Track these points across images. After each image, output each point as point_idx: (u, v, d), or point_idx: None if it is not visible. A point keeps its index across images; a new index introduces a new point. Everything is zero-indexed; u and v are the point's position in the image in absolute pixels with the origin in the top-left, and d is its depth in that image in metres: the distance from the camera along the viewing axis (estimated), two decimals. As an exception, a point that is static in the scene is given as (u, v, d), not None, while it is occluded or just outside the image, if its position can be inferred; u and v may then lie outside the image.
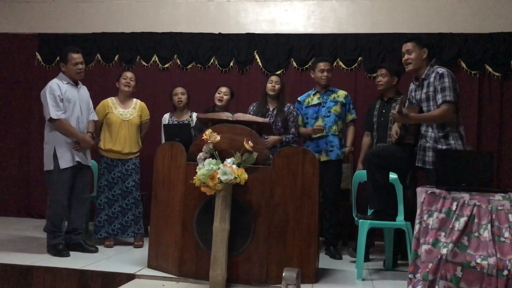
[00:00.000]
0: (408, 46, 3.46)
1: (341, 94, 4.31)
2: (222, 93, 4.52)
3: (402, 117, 3.25)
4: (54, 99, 3.79)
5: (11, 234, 4.63)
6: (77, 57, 3.92)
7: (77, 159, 3.88)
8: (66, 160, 3.82)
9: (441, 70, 3.33)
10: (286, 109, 4.27)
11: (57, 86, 3.83)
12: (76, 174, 3.92)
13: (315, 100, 4.29)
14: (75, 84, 3.98)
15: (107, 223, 4.22)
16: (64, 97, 3.84)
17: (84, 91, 4.08)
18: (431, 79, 3.34)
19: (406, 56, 3.46)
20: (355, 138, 4.39)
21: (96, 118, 4.17)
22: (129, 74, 4.39)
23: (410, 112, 3.32)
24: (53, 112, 3.77)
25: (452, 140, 3.29)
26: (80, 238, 3.97)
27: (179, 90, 4.70)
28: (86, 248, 3.92)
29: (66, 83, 3.91)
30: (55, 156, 3.80)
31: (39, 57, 5.84)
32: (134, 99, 4.45)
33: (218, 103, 4.50)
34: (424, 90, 3.38)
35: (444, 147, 3.27)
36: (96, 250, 3.93)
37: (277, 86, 4.27)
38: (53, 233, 3.83)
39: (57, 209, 3.82)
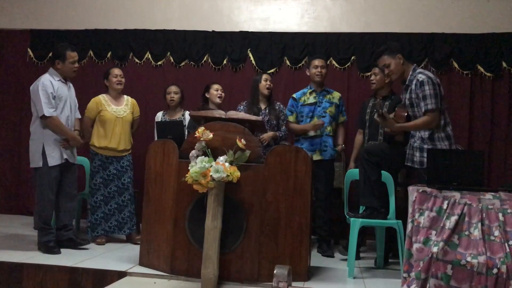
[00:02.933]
0: (382, 61, 3.46)
1: (336, 95, 4.34)
2: (220, 90, 4.49)
3: (384, 122, 3.34)
4: (47, 96, 3.75)
5: (1, 231, 4.59)
6: (74, 55, 3.91)
7: (65, 156, 3.85)
8: (54, 158, 3.79)
9: (421, 77, 3.32)
10: (277, 107, 4.32)
11: (50, 83, 3.79)
12: (64, 171, 3.90)
13: (311, 99, 4.30)
14: (65, 81, 3.95)
15: (103, 220, 4.21)
16: (56, 95, 3.81)
17: (72, 88, 4.06)
18: (413, 86, 3.36)
19: (386, 71, 3.47)
20: (346, 139, 4.44)
21: (79, 116, 4.16)
22: (117, 71, 4.35)
23: (400, 113, 3.40)
24: (46, 109, 3.73)
25: (438, 141, 3.33)
26: (71, 234, 3.95)
27: (173, 89, 4.68)
28: (78, 242, 3.90)
29: (58, 80, 3.87)
30: (43, 154, 3.77)
31: (31, 53, 5.80)
32: (125, 96, 4.43)
33: (219, 101, 4.46)
34: (408, 96, 3.42)
35: (430, 147, 3.30)
36: (88, 242, 3.95)
37: (271, 85, 4.31)
38: (44, 230, 3.80)
39: (46, 206, 3.80)
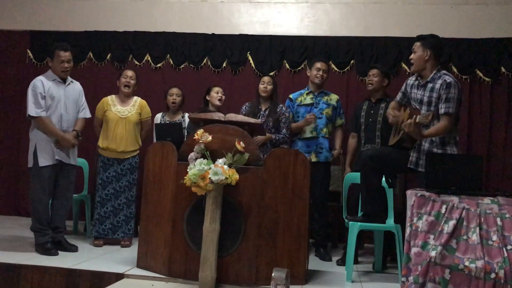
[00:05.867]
0: (414, 45, 3.43)
1: (334, 97, 4.34)
2: (220, 93, 4.49)
3: (415, 131, 3.16)
4: (35, 96, 3.74)
5: (-2, 232, 4.59)
6: (63, 55, 3.84)
7: (57, 157, 3.82)
8: (45, 158, 3.77)
9: (449, 79, 3.27)
10: (278, 109, 4.27)
11: (41, 83, 3.78)
12: (59, 172, 3.88)
13: (308, 99, 4.30)
14: (63, 81, 3.92)
15: (98, 222, 4.19)
16: (47, 94, 3.78)
17: (72, 88, 4.00)
18: (437, 85, 3.28)
19: (411, 55, 3.45)
20: (343, 142, 4.43)
21: (88, 116, 4.11)
22: (129, 73, 4.35)
23: (414, 114, 3.32)
24: (32, 109, 3.73)
25: (449, 146, 3.28)
26: (61, 237, 3.91)
27: (175, 91, 4.68)
28: (66, 246, 3.87)
29: (52, 80, 3.85)
30: (35, 154, 3.77)
31: (30, 54, 5.80)
32: (135, 97, 4.41)
33: (219, 103, 4.46)
34: (427, 94, 3.34)
35: (440, 151, 3.26)
36: (75, 250, 3.88)
37: (269, 87, 4.26)
38: (40, 231, 3.79)
39: (38, 206, 3.78)
